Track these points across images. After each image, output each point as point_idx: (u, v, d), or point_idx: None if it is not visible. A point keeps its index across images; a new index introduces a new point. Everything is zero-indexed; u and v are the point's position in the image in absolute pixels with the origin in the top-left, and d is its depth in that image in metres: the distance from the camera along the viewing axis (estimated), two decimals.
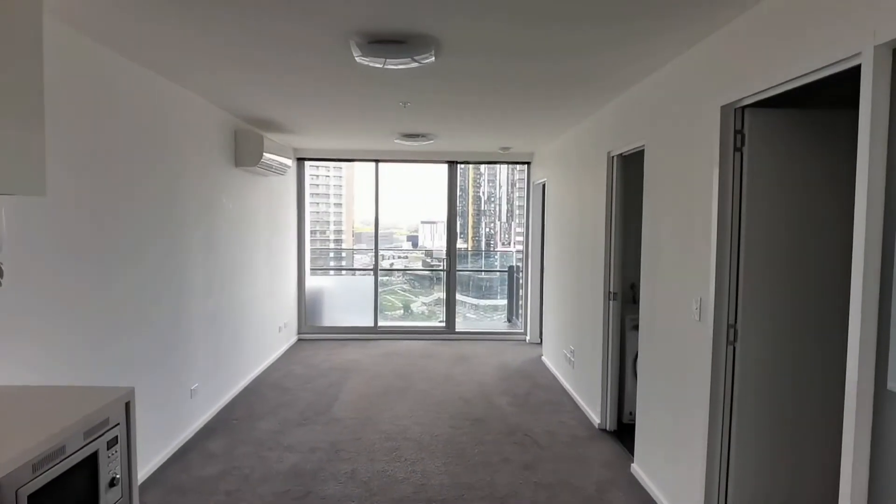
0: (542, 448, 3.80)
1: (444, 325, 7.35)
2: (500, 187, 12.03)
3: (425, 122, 4.90)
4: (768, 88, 2.16)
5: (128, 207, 3.16)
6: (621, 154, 3.90)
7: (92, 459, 1.80)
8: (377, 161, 7.19)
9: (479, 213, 12.43)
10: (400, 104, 4.18)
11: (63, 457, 1.66)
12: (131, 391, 2.05)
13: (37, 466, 1.55)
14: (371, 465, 3.51)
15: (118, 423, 1.96)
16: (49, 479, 1.59)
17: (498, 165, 8.13)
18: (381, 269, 7.59)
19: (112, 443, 1.92)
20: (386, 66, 2.96)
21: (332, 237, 10.59)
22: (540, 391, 5.06)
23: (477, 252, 11.21)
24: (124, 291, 3.13)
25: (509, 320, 8.31)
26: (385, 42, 2.75)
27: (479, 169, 11.88)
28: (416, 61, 2.91)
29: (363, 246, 9.83)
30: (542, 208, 6.64)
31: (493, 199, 12.10)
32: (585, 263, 4.63)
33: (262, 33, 2.66)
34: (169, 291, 3.67)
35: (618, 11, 2.30)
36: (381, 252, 9.39)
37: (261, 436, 3.98)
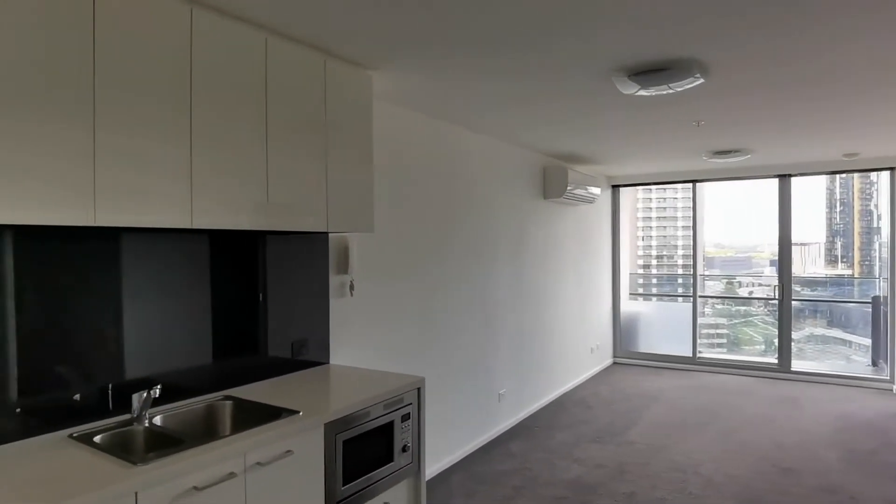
0: None
1: (776, 361, 6.47)
2: None
3: (732, 136, 4.58)
4: None
5: (445, 236, 3.95)
6: None
7: (389, 427, 2.42)
8: (693, 182, 6.88)
9: (868, 232, 10.24)
10: (693, 124, 4.07)
11: (368, 419, 2.30)
12: (422, 380, 2.63)
13: (348, 421, 2.21)
14: (651, 491, 3.47)
15: (410, 404, 2.56)
16: (357, 433, 2.24)
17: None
18: (699, 297, 7.13)
19: (405, 417, 2.52)
20: (654, 94, 3.02)
21: (680, 262, 10.15)
22: (891, 452, 4.07)
23: (867, 277, 9.21)
24: (442, 303, 3.90)
25: (874, 363, 6.75)
26: (648, 72, 2.84)
27: (868, 177, 9.83)
28: (693, 81, 2.86)
29: (716, 271, 9.26)
30: None
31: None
32: None
33: (540, 83, 3.07)
34: (481, 306, 4.36)
35: None
36: (738, 279, 8.66)
37: (555, 445, 4.31)
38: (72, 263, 1.94)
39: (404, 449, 2.50)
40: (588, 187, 5.92)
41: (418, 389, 2.61)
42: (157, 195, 1.84)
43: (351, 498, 2.21)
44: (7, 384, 1.78)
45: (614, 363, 7.30)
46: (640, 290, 8.47)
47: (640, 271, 9.65)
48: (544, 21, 2.19)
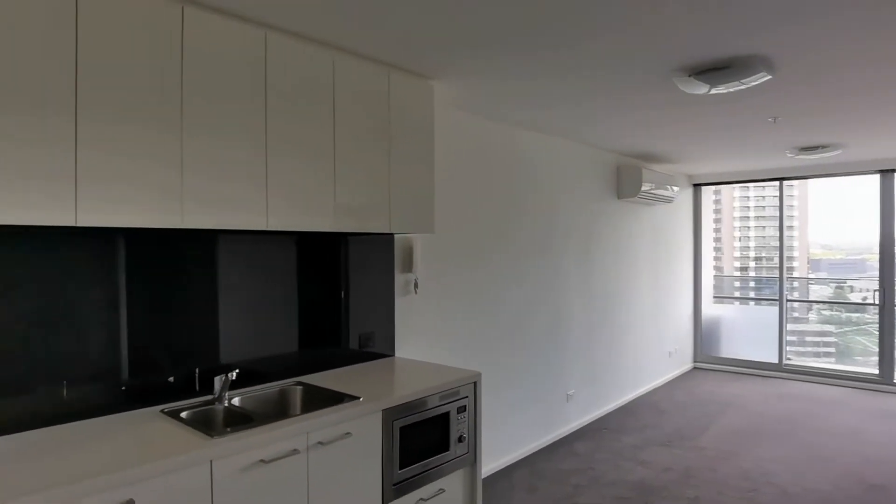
0: None
1: (876, 372, 6.00)
2: None
3: (814, 130, 4.33)
4: None
5: (512, 237, 4.03)
6: None
7: (445, 417, 2.55)
8: (780, 179, 6.52)
9: None
10: (769, 120, 3.91)
11: (424, 408, 2.44)
12: (478, 374, 2.74)
13: (405, 409, 2.36)
14: (718, 497, 3.38)
15: (466, 397, 2.67)
16: (414, 421, 2.39)
17: None
18: (788, 300, 6.74)
19: (461, 409, 2.64)
20: (725, 91, 2.95)
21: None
22: None
23: None
24: (508, 303, 3.99)
25: None
26: (711, 70, 2.79)
27: None
28: (760, 77, 2.78)
29: (822, 274, 8.65)
30: None
31: None
32: None
33: (601, 83, 3.09)
34: (549, 307, 4.41)
35: None
36: (850, 283, 8.12)
37: (622, 447, 4.28)
38: (173, 262, 2.23)
39: (460, 439, 2.62)
40: (667, 186, 5.78)
41: (474, 384, 2.73)
42: (236, 199, 2.07)
43: (407, 481, 2.36)
44: (119, 367, 2.08)
45: (694, 368, 7.05)
46: (737, 294, 8.08)
47: (737, 273, 9.17)
48: (601, 17, 2.24)
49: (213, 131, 2.01)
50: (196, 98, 1.95)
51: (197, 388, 2.30)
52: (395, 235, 3.17)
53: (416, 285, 3.29)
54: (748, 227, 9.74)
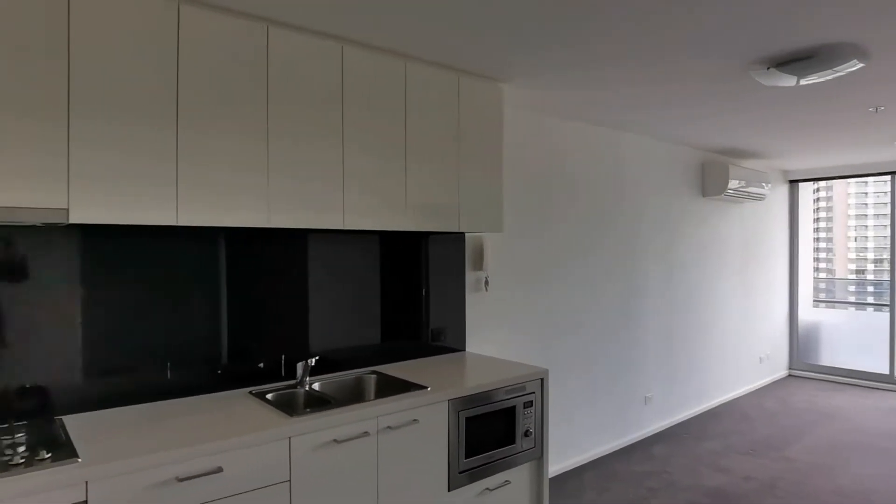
0: None
1: None
2: None
3: None
4: None
5: (587, 235, 4.01)
6: None
7: (511, 411, 2.61)
8: (893, 174, 6.00)
9: None
10: (870, 110, 3.64)
11: (490, 401, 2.52)
12: (545, 371, 2.78)
13: (471, 400, 2.45)
14: None
15: (533, 392, 2.72)
16: (480, 412, 2.47)
17: None
18: None
19: (527, 404, 2.69)
20: (814, 82, 2.81)
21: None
22: None
23: None
24: (583, 302, 3.98)
25: None
26: (793, 61, 2.67)
27: None
28: (852, 66, 2.63)
29: None
30: None
31: None
32: None
33: (677, 75, 3.04)
34: (626, 307, 4.34)
35: None
36: None
37: (702, 453, 4.13)
38: (269, 259, 2.45)
39: (526, 434, 2.67)
40: (759, 183, 5.50)
41: (541, 380, 2.77)
42: (316, 200, 2.25)
43: (473, 470, 2.45)
44: (218, 353, 2.32)
45: (789, 375, 6.64)
46: (853, 298, 7.47)
47: (853, 276, 8.49)
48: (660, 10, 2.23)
49: (295, 138, 2.19)
50: (279, 108, 2.15)
51: (282, 373, 2.51)
52: (466, 234, 3.27)
53: (486, 283, 3.37)
54: (865, 227, 8.98)
